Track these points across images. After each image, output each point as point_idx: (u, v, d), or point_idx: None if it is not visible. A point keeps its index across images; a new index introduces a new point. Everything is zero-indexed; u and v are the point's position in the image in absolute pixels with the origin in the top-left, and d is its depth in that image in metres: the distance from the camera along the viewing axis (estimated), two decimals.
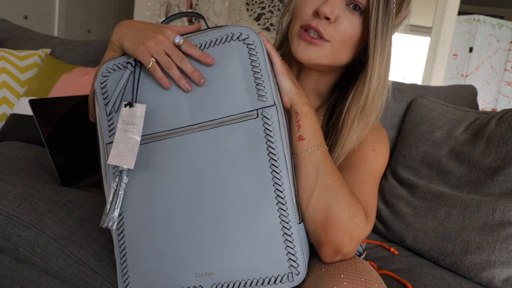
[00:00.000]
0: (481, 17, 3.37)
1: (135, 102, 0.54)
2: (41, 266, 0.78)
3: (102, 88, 0.57)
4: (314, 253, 0.56)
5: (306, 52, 0.60)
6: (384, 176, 1.10)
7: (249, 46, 0.52)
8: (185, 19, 2.78)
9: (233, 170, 0.51)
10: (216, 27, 0.55)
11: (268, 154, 0.51)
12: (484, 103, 3.53)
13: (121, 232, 0.56)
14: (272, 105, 0.52)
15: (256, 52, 0.52)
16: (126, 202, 0.55)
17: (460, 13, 2.98)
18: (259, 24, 2.95)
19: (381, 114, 0.66)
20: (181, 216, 0.53)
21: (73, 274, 0.74)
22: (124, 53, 0.57)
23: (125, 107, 0.54)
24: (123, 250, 0.55)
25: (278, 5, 2.90)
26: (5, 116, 1.42)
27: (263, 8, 2.92)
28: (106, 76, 0.57)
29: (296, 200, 0.52)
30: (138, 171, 0.55)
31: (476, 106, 1.24)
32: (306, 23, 0.59)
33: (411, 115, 1.13)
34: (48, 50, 1.60)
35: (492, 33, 3.42)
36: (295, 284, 0.50)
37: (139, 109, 0.54)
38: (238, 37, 0.52)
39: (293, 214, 0.51)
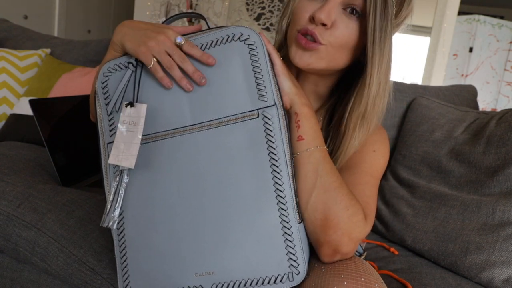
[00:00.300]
0: (481, 17, 3.37)
1: (136, 102, 0.55)
2: (41, 266, 0.78)
3: (103, 88, 0.57)
4: (314, 253, 0.56)
5: (303, 58, 0.60)
6: (384, 176, 1.10)
7: (250, 46, 0.52)
8: (185, 19, 2.78)
9: (233, 170, 0.51)
10: (217, 27, 0.55)
11: (268, 154, 0.51)
12: (484, 103, 3.53)
13: (121, 232, 0.56)
14: (273, 105, 0.52)
15: (257, 53, 0.52)
16: (127, 202, 0.55)
17: (460, 13, 2.98)
18: (259, 24, 2.95)
19: (382, 116, 0.65)
20: (182, 216, 0.53)
21: (73, 274, 0.74)
22: (125, 53, 0.57)
23: (126, 106, 0.54)
24: (123, 249, 0.55)
25: (278, 5, 2.90)
26: (5, 116, 1.42)
27: (263, 8, 2.92)
28: (107, 76, 0.57)
29: (296, 200, 0.52)
30: (139, 170, 0.55)
31: (476, 106, 1.24)
32: (302, 27, 0.59)
33: (411, 115, 1.13)
34: (48, 50, 1.60)
35: (492, 33, 3.42)
36: (295, 284, 0.50)
37: (140, 109, 0.54)
38: (239, 38, 0.52)
39: (293, 214, 0.51)
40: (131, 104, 0.54)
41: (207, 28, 0.58)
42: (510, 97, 3.55)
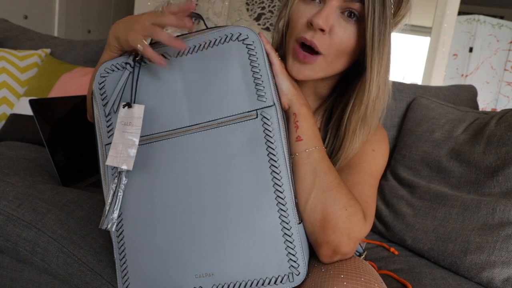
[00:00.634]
0: (481, 17, 3.36)
1: (134, 102, 0.54)
2: (41, 266, 0.78)
3: (100, 89, 0.56)
4: (314, 254, 0.56)
5: (301, 72, 0.60)
6: (384, 176, 1.10)
7: (249, 46, 0.52)
8: None
9: (232, 171, 0.51)
10: (216, 27, 0.54)
11: (268, 155, 0.51)
12: (484, 103, 3.53)
13: (121, 234, 0.55)
14: (272, 105, 0.52)
15: (256, 53, 0.52)
16: (126, 203, 0.55)
17: (460, 13, 2.98)
18: (259, 24, 2.95)
19: (383, 116, 0.65)
20: (181, 217, 0.53)
21: (73, 274, 0.74)
22: (122, 54, 0.57)
23: (123, 107, 0.54)
24: (122, 251, 0.55)
25: (278, 5, 2.90)
26: (5, 116, 1.41)
27: (263, 8, 2.92)
28: (104, 77, 0.56)
29: (295, 201, 0.52)
30: (138, 172, 0.55)
31: (476, 106, 1.24)
32: (300, 35, 0.58)
33: (411, 115, 1.13)
34: (48, 50, 1.60)
35: (492, 33, 3.42)
36: (296, 285, 0.50)
37: (138, 109, 0.54)
38: (237, 38, 0.52)
39: (293, 214, 0.51)
40: (128, 105, 0.54)
41: (205, 27, 0.58)
42: (510, 97, 3.55)
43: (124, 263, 0.55)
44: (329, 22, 0.56)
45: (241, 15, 2.96)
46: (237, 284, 0.51)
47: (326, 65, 0.60)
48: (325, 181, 0.53)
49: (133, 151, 0.53)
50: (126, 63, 0.55)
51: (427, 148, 1.02)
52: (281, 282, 0.50)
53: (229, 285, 0.51)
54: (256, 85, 0.52)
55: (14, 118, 1.36)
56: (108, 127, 0.56)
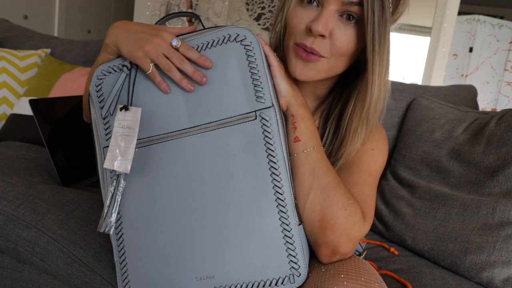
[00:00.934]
0: (481, 17, 3.36)
1: (131, 105, 0.54)
2: (41, 266, 0.78)
3: (97, 91, 0.56)
4: (314, 254, 0.56)
5: (304, 71, 0.59)
6: (384, 176, 1.10)
7: (247, 47, 0.52)
8: (184, 19, 2.78)
9: (232, 173, 0.51)
10: (213, 27, 0.54)
11: (267, 156, 0.51)
12: (484, 103, 3.53)
13: (120, 237, 0.55)
14: (270, 107, 0.51)
15: (254, 54, 0.51)
16: (125, 206, 0.55)
17: (460, 13, 2.98)
18: (259, 24, 2.95)
19: (382, 115, 0.65)
20: (181, 220, 0.52)
21: (73, 274, 0.74)
22: (119, 56, 0.56)
23: (120, 110, 0.53)
24: (122, 254, 0.55)
25: (278, 5, 2.89)
26: (5, 116, 1.42)
27: (263, 8, 2.92)
28: (101, 79, 0.56)
29: (295, 202, 0.52)
30: (136, 175, 0.54)
31: (476, 106, 1.24)
32: (300, 41, 0.57)
33: (411, 115, 1.13)
34: (48, 50, 1.60)
35: (492, 33, 3.42)
36: (296, 286, 0.50)
37: (135, 112, 0.53)
38: (235, 38, 0.52)
39: (293, 216, 0.51)
40: (125, 107, 0.53)
41: (202, 28, 0.57)
42: (510, 97, 3.55)
43: (124, 266, 0.55)
44: (329, 27, 0.55)
45: (241, 15, 2.96)
46: (238, 286, 0.50)
47: (329, 66, 0.59)
48: (323, 181, 0.53)
49: (130, 154, 0.52)
50: (123, 65, 0.54)
51: (427, 148, 1.02)
52: (282, 283, 0.50)
53: (230, 287, 0.51)
54: (255, 86, 0.51)
55: (14, 118, 1.36)
56: (106, 130, 0.55)
